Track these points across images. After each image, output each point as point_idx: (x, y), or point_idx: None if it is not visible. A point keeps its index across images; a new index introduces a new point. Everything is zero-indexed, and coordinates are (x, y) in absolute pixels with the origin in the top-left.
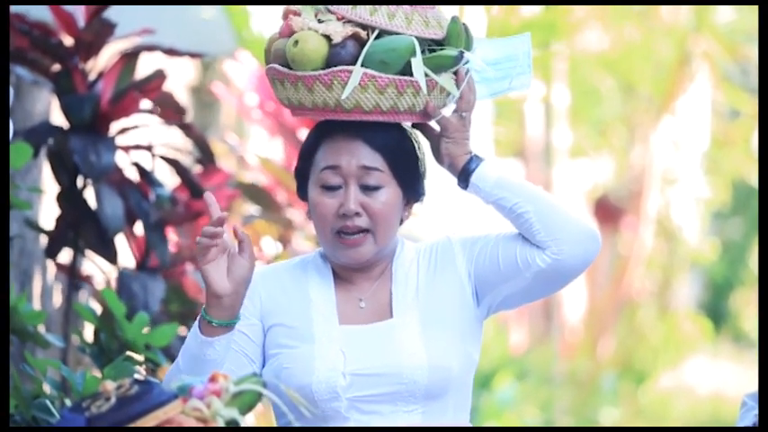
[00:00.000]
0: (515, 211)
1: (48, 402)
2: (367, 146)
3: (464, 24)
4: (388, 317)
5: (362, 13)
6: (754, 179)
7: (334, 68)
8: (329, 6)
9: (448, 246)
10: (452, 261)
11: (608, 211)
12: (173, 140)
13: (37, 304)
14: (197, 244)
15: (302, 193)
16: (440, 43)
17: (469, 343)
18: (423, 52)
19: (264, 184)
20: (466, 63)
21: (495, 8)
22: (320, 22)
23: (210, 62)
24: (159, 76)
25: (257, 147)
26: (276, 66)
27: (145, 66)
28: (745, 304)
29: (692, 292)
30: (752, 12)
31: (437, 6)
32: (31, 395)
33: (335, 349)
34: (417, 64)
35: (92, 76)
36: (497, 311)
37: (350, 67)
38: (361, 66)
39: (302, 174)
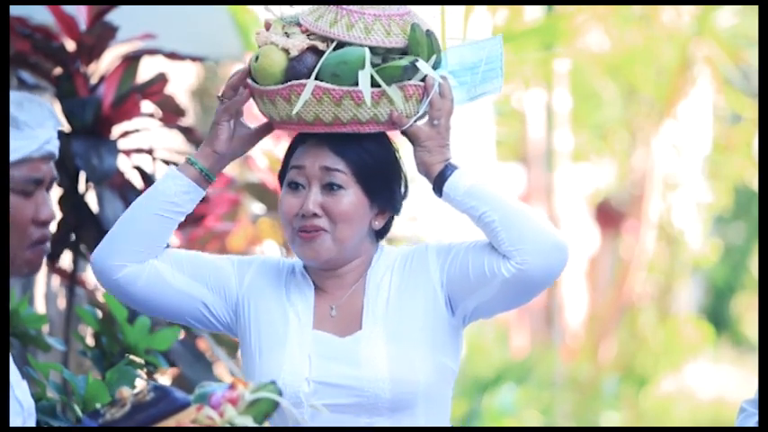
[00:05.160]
0: (483, 219)
1: (49, 405)
2: (331, 150)
3: (428, 31)
4: (358, 328)
5: (323, 25)
6: (755, 183)
7: (291, 83)
8: (301, 18)
9: (423, 253)
10: (426, 269)
11: (609, 216)
12: (174, 144)
13: (38, 307)
14: (220, 100)
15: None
16: (405, 51)
17: (443, 353)
18: (384, 62)
19: (270, 184)
20: (437, 68)
21: (500, 16)
22: (287, 35)
23: (213, 66)
24: (161, 79)
25: (263, 148)
26: (248, 80)
27: (147, 69)
28: (746, 308)
29: (694, 297)
30: (753, 16)
31: (411, 11)
32: (33, 398)
33: (304, 354)
34: (363, 76)
35: (93, 80)
36: (474, 320)
37: (304, 81)
38: (317, 78)
39: (280, 175)
